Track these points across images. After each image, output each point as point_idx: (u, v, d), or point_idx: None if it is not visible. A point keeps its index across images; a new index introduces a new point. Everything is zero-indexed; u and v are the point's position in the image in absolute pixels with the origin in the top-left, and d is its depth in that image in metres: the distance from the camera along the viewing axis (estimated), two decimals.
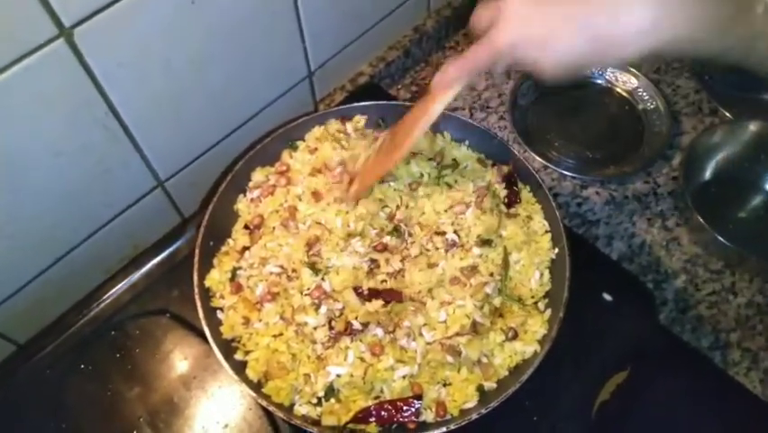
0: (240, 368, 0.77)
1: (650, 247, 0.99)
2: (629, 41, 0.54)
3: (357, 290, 0.80)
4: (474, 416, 0.72)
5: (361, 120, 0.98)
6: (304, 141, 0.96)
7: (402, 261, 0.83)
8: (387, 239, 0.84)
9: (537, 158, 1.06)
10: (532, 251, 0.85)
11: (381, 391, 0.76)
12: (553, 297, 0.83)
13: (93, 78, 0.72)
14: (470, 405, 0.75)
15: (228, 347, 0.79)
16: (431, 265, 0.83)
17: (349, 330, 0.77)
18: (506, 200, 0.90)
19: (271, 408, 0.73)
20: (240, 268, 0.85)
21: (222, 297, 0.83)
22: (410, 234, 0.86)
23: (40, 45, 0.64)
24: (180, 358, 0.85)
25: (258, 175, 0.92)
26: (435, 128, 0.98)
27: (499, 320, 0.80)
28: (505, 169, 0.93)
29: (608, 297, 0.88)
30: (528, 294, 0.83)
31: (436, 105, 0.71)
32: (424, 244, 0.85)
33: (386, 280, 0.81)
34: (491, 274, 0.82)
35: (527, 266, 0.84)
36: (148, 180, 0.90)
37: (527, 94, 1.15)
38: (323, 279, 0.81)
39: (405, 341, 0.77)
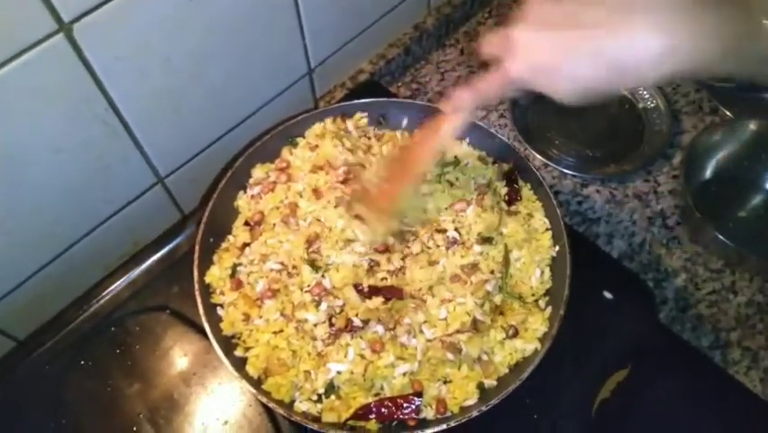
0: (240, 365, 0.77)
1: (650, 246, 0.99)
2: (643, 69, 0.53)
3: (357, 287, 0.80)
4: (474, 413, 0.72)
5: (361, 117, 0.97)
6: (304, 138, 0.96)
7: (403, 258, 0.83)
8: (389, 240, 0.84)
9: (538, 156, 1.06)
10: (532, 248, 0.85)
11: (381, 388, 0.76)
12: (553, 295, 0.83)
13: (92, 74, 0.71)
14: (470, 402, 0.75)
15: (228, 344, 0.79)
16: (432, 263, 0.83)
17: (349, 327, 0.77)
18: (506, 198, 0.90)
19: (271, 404, 0.73)
20: (240, 264, 0.85)
21: (222, 293, 0.83)
22: (411, 233, 0.86)
23: (39, 40, 0.64)
24: (180, 355, 0.85)
25: (258, 172, 0.92)
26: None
27: (500, 318, 0.80)
28: (506, 166, 0.93)
29: (608, 295, 0.88)
30: (529, 292, 0.83)
31: (447, 128, 0.71)
32: (425, 242, 0.85)
33: (386, 278, 0.81)
34: (492, 272, 0.82)
35: (528, 264, 0.84)
36: (148, 177, 0.90)
37: (528, 92, 1.15)
38: (323, 276, 0.81)
39: (405, 338, 0.77)
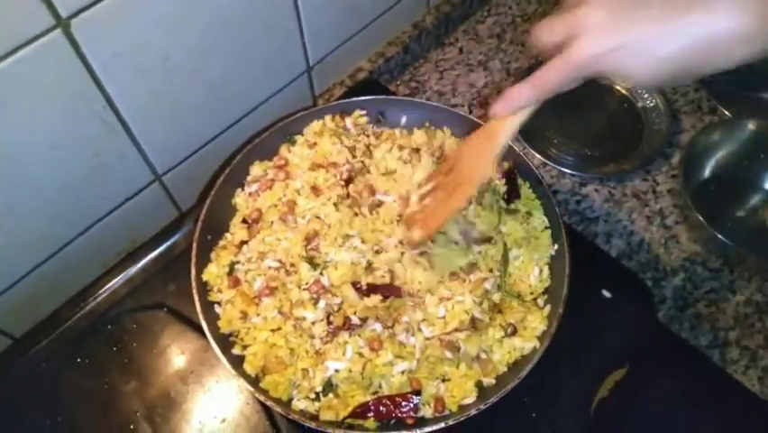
0: (237, 363, 0.76)
1: (649, 245, 0.99)
2: (733, 47, 0.49)
3: (355, 284, 0.79)
4: (473, 412, 0.72)
5: (360, 115, 0.97)
6: (302, 135, 0.95)
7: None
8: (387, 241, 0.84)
9: (537, 155, 1.05)
10: (531, 247, 0.85)
11: (380, 387, 0.76)
12: (552, 293, 0.83)
13: (90, 71, 0.71)
14: (468, 401, 0.75)
15: (226, 342, 0.78)
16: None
17: (347, 325, 0.77)
18: (505, 196, 0.90)
19: (269, 402, 0.73)
20: (238, 262, 0.84)
21: (219, 291, 0.83)
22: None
23: (36, 36, 0.63)
24: (177, 352, 0.85)
25: (256, 169, 0.92)
26: (436, 124, 0.98)
27: (498, 316, 0.80)
28: (505, 165, 0.92)
29: (607, 294, 0.88)
30: (528, 290, 0.83)
31: (502, 134, 0.64)
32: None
33: (385, 276, 0.81)
34: (491, 270, 0.82)
35: (527, 262, 0.84)
36: (145, 174, 0.89)
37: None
38: (321, 273, 0.81)
39: (403, 336, 0.77)
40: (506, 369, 0.78)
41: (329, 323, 0.77)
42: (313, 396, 0.75)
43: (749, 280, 0.95)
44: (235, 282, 0.82)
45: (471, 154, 0.70)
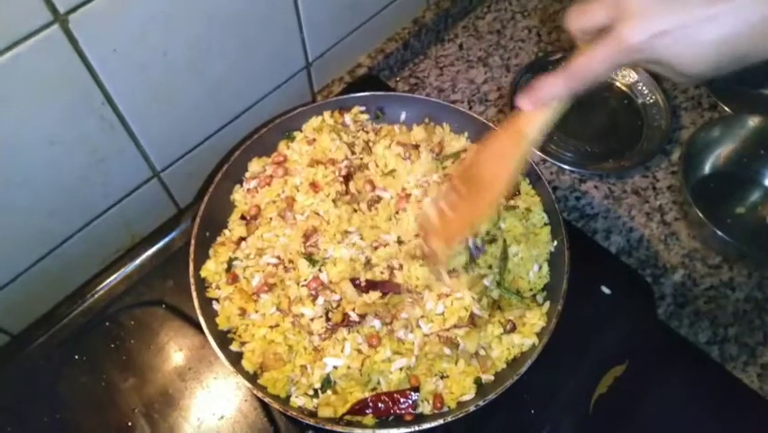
0: (235, 359, 0.76)
1: (648, 241, 0.99)
2: None
3: (354, 281, 0.79)
4: (472, 408, 0.72)
5: (359, 111, 0.97)
6: (301, 131, 0.95)
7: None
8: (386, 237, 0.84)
9: (536, 151, 1.05)
10: (531, 243, 0.85)
11: (378, 383, 0.75)
12: (551, 290, 0.83)
13: (88, 67, 0.71)
14: (467, 398, 0.75)
15: (224, 338, 0.78)
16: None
17: (346, 322, 0.77)
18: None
19: (267, 399, 0.73)
20: (236, 259, 0.84)
21: (218, 288, 0.82)
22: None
23: (33, 31, 0.63)
24: (175, 349, 0.85)
25: (254, 165, 0.92)
26: (436, 120, 0.98)
27: (497, 313, 0.80)
28: None
29: (606, 290, 0.88)
30: (527, 287, 0.83)
31: (529, 132, 0.57)
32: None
33: (384, 272, 0.81)
34: (490, 267, 0.82)
35: (526, 259, 0.84)
36: (144, 171, 0.89)
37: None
38: (320, 270, 0.81)
39: (402, 333, 0.77)
40: (504, 366, 0.78)
41: (327, 319, 0.77)
42: (311, 393, 0.75)
43: (749, 277, 0.95)
44: (234, 279, 0.82)
45: (494, 157, 0.63)
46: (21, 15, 0.62)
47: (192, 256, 0.82)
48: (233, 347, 0.78)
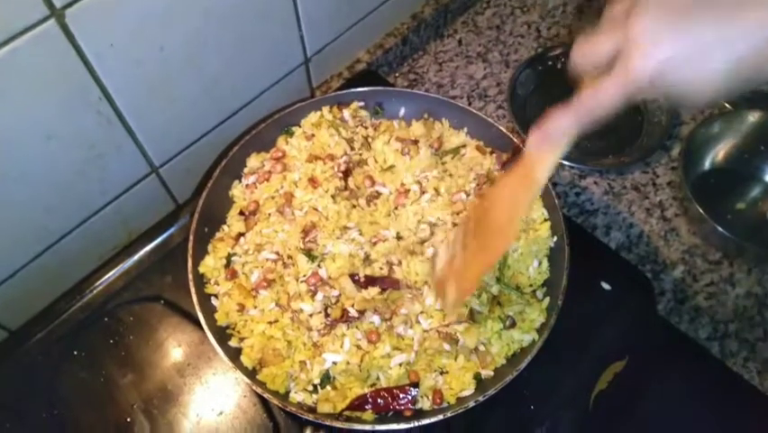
0: (234, 355, 0.76)
1: (648, 237, 0.98)
2: None
3: (353, 277, 0.79)
4: (471, 404, 0.72)
5: (358, 106, 0.96)
6: (300, 127, 0.95)
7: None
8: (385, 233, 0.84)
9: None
10: (530, 239, 0.84)
11: (378, 379, 0.75)
12: (551, 285, 0.83)
13: (85, 61, 0.71)
14: (467, 393, 0.75)
15: (223, 334, 0.78)
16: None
17: (345, 317, 0.77)
18: None
19: (266, 395, 0.73)
20: (235, 254, 0.84)
21: (216, 283, 0.82)
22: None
23: (30, 26, 0.63)
24: (174, 345, 0.84)
25: (253, 161, 0.91)
26: (435, 116, 0.97)
27: (497, 308, 0.79)
28: (504, 156, 0.92)
29: (606, 286, 0.88)
30: (526, 282, 0.83)
31: (540, 172, 0.56)
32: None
33: (383, 268, 0.81)
34: None
35: (526, 255, 0.83)
36: (142, 166, 0.89)
37: (526, 83, 1.14)
38: (319, 265, 0.80)
39: (401, 328, 0.76)
40: (504, 361, 0.78)
41: (327, 315, 0.77)
42: (310, 388, 0.75)
43: (749, 273, 0.95)
44: (232, 275, 0.82)
45: (506, 198, 0.62)
46: (17, 10, 0.61)
47: (191, 252, 0.81)
48: (232, 343, 0.78)
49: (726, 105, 1.10)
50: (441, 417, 0.71)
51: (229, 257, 0.84)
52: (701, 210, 0.91)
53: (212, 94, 0.90)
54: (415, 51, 1.22)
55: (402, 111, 0.99)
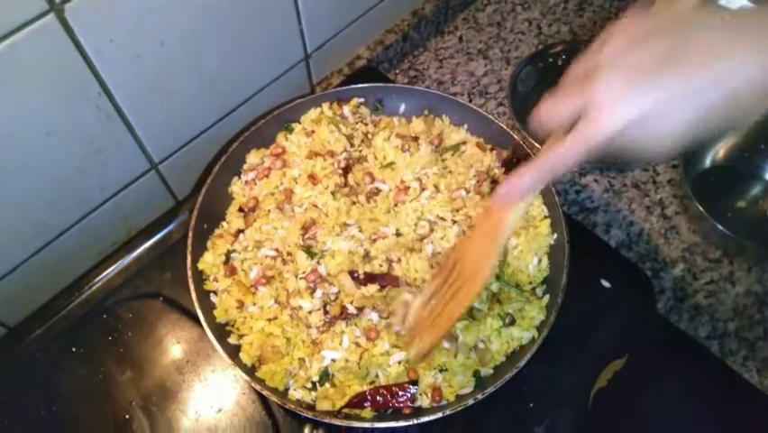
0: (233, 352, 0.76)
1: (648, 235, 0.98)
2: (760, 98, 0.45)
3: (353, 273, 0.79)
4: (470, 401, 0.72)
5: (358, 102, 0.96)
6: (300, 123, 0.94)
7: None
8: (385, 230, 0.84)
9: (536, 144, 1.04)
10: (530, 236, 0.84)
11: (377, 376, 0.75)
12: (551, 283, 0.82)
13: (85, 57, 0.70)
14: (466, 391, 0.75)
15: (222, 331, 0.78)
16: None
17: (344, 315, 0.76)
18: None
19: (265, 392, 0.72)
20: (234, 251, 0.84)
21: (216, 280, 0.82)
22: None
23: (29, 21, 0.62)
24: (173, 342, 0.84)
25: (253, 157, 0.91)
26: (435, 112, 0.97)
27: (497, 306, 0.79)
28: (504, 153, 0.92)
29: (606, 284, 0.87)
30: (526, 280, 0.83)
31: (506, 225, 0.58)
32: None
33: (383, 265, 0.80)
34: None
35: (525, 252, 0.83)
36: (141, 162, 0.88)
37: (526, 80, 1.14)
38: (318, 262, 0.80)
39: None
40: (504, 359, 0.78)
41: (326, 312, 0.77)
42: (309, 386, 0.75)
43: (749, 271, 0.95)
44: (231, 271, 0.82)
45: (475, 250, 0.65)
46: (16, 4, 0.61)
47: (190, 249, 0.81)
48: (231, 340, 0.77)
49: None
50: (440, 414, 0.71)
51: (228, 254, 0.84)
52: (701, 208, 0.91)
53: (211, 90, 0.89)
54: (415, 48, 1.21)
55: (402, 107, 0.98)
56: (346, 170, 0.89)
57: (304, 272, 0.80)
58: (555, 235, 0.85)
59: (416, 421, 0.71)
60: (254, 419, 0.79)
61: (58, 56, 0.68)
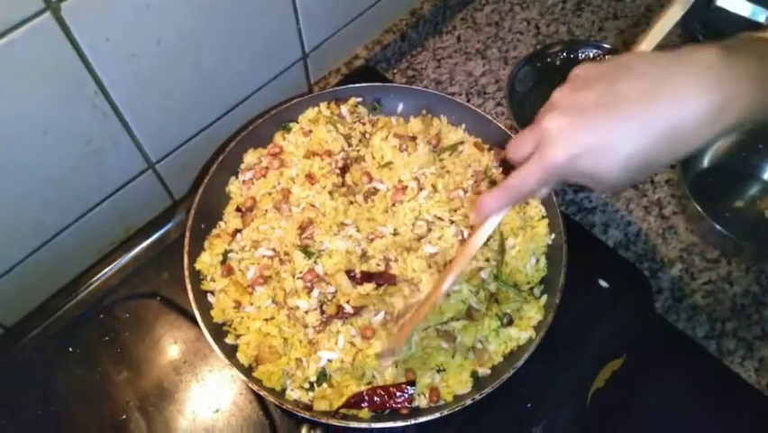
0: (230, 352, 0.76)
1: (646, 235, 0.98)
2: (699, 129, 0.49)
3: (350, 273, 0.79)
4: (468, 402, 0.72)
5: (356, 102, 0.96)
6: (297, 123, 0.94)
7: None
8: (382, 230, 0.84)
9: None
10: (528, 236, 0.84)
11: (373, 377, 0.75)
12: (548, 283, 0.82)
13: (81, 55, 0.70)
14: (464, 391, 0.75)
15: (219, 331, 0.78)
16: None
17: (340, 314, 0.76)
18: None
19: (262, 392, 0.72)
20: (231, 251, 0.84)
21: (213, 280, 0.82)
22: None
23: (25, 19, 0.62)
24: (170, 342, 0.84)
25: (250, 157, 0.91)
26: (433, 112, 0.97)
27: (495, 306, 0.79)
28: (502, 153, 0.91)
29: (604, 284, 0.87)
30: (524, 280, 0.83)
31: (475, 238, 0.65)
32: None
33: (380, 264, 0.80)
34: (487, 259, 0.81)
35: (523, 252, 0.83)
36: (139, 162, 0.88)
37: (524, 80, 1.14)
38: (315, 262, 0.80)
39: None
40: (501, 359, 0.78)
41: (322, 312, 0.77)
42: (307, 386, 0.75)
43: (746, 271, 0.94)
44: (229, 271, 0.82)
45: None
46: (12, 2, 0.61)
47: (187, 249, 0.81)
48: (228, 340, 0.77)
49: None
50: (438, 415, 0.71)
51: (225, 254, 0.84)
52: (699, 208, 0.91)
53: (209, 89, 0.89)
54: (413, 48, 1.21)
55: (400, 107, 0.98)
56: (344, 170, 0.89)
57: (301, 272, 0.79)
58: (553, 235, 0.85)
59: (413, 422, 0.71)
60: (251, 420, 0.79)
61: (54, 54, 0.67)
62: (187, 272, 0.79)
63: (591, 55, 1.15)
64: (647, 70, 0.52)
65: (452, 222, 0.84)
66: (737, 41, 0.52)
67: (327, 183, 0.86)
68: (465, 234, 0.82)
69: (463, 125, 0.95)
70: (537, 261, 0.84)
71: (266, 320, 0.78)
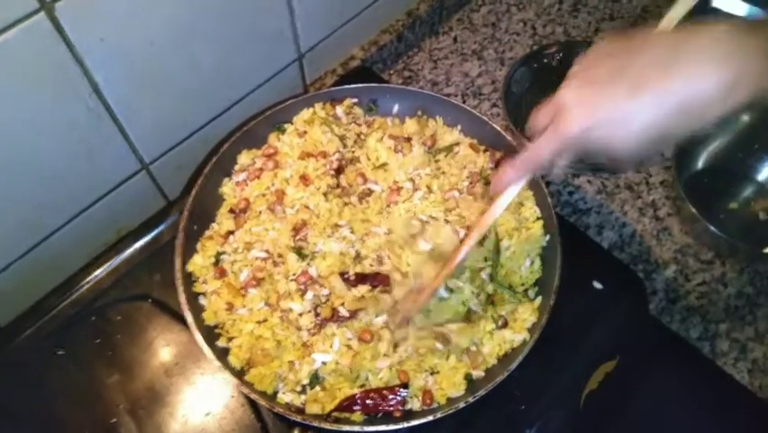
0: (222, 355, 0.75)
1: (641, 237, 0.98)
2: (710, 105, 0.50)
3: (343, 275, 0.78)
4: (461, 404, 0.71)
5: (351, 103, 0.96)
6: (292, 124, 0.94)
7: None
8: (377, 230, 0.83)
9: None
10: (523, 238, 0.84)
11: (367, 380, 0.75)
12: (543, 285, 0.82)
13: (75, 55, 0.70)
14: (457, 394, 0.74)
15: (211, 334, 0.77)
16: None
17: (335, 317, 0.76)
18: None
19: (254, 396, 0.72)
20: (224, 253, 0.83)
21: (205, 282, 0.81)
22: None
23: (19, 19, 0.62)
24: (162, 344, 0.83)
25: (244, 158, 0.91)
26: (429, 113, 0.97)
27: (490, 308, 0.79)
28: (497, 154, 0.91)
29: (598, 285, 0.87)
30: (519, 282, 0.82)
31: (494, 207, 0.67)
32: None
33: (373, 264, 0.80)
34: (486, 259, 0.81)
35: (518, 253, 0.83)
36: (132, 163, 0.88)
37: (521, 81, 1.14)
38: (309, 264, 0.80)
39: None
40: (495, 361, 0.77)
41: (316, 315, 0.76)
42: (299, 389, 0.74)
43: (740, 273, 0.95)
44: (221, 273, 0.81)
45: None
46: (6, 2, 0.60)
47: (179, 250, 0.81)
48: (220, 343, 0.77)
49: None
50: (431, 418, 0.71)
51: (218, 255, 0.83)
52: (694, 210, 0.91)
53: (203, 89, 0.89)
54: (409, 48, 1.21)
55: (396, 108, 0.98)
56: (339, 171, 0.89)
57: (294, 274, 0.79)
58: (548, 237, 0.85)
59: (406, 425, 0.70)
60: (243, 423, 0.78)
61: (48, 54, 0.67)
62: (178, 275, 0.79)
63: None
64: (662, 48, 0.53)
65: (447, 222, 0.84)
66: (748, 21, 0.53)
67: (322, 184, 0.85)
68: (461, 234, 0.82)
69: (459, 127, 0.95)
70: (532, 262, 0.83)
71: (258, 323, 0.77)
